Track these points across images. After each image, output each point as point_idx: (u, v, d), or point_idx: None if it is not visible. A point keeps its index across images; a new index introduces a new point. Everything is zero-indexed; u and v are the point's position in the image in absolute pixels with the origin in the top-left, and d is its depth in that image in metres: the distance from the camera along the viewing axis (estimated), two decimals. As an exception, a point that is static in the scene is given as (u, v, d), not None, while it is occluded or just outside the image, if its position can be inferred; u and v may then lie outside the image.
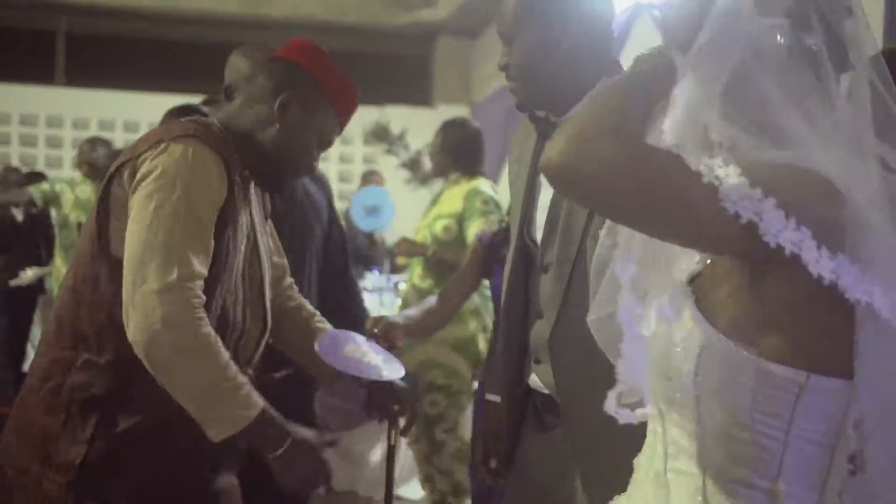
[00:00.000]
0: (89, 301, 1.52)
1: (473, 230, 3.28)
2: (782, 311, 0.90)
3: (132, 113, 7.43)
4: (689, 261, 1.01)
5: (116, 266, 1.46)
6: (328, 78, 1.66)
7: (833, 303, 0.86)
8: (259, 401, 1.47)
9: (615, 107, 0.89)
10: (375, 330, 2.05)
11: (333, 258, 2.59)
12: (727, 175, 0.86)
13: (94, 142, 5.14)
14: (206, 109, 2.38)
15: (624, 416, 1.08)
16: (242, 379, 1.47)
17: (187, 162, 1.46)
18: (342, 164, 7.99)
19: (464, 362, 3.37)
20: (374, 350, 1.81)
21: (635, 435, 1.46)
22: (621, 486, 1.09)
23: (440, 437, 3.32)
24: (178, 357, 1.40)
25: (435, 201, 3.57)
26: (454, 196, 3.43)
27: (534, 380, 1.66)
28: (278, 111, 1.60)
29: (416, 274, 3.51)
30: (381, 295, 4.97)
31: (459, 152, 3.50)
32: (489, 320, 3.46)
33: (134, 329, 1.40)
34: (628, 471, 1.08)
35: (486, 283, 3.48)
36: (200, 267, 1.44)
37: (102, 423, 1.48)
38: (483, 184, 3.44)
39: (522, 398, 1.70)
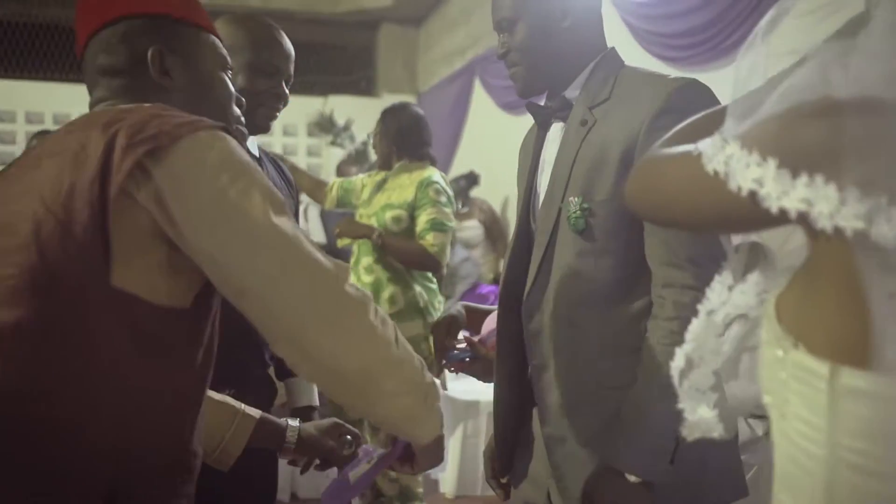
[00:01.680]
0: None
1: (424, 219, 3.19)
2: None
3: (62, 105, 7.13)
4: None
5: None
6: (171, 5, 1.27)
7: None
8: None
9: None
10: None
11: None
12: (723, 149, 0.77)
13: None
14: None
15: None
16: None
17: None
18: (285, 155, 7.77)
19: None
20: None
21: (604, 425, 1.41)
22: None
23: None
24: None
25: (380, 188, 3.41)
26: (404, 185, 3.29)
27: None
28: (157, 73, 1.22)
29: (362, 267, 3.34)
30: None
31: (402, 138, 3.38)
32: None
33: None
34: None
35: (431, 275, 3.36)
36: None
37: None
38: (435, 173, 3.32)
39: (521, 400, 1.64)
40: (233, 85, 1.34)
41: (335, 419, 1.65)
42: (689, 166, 0.81)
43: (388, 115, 3.46)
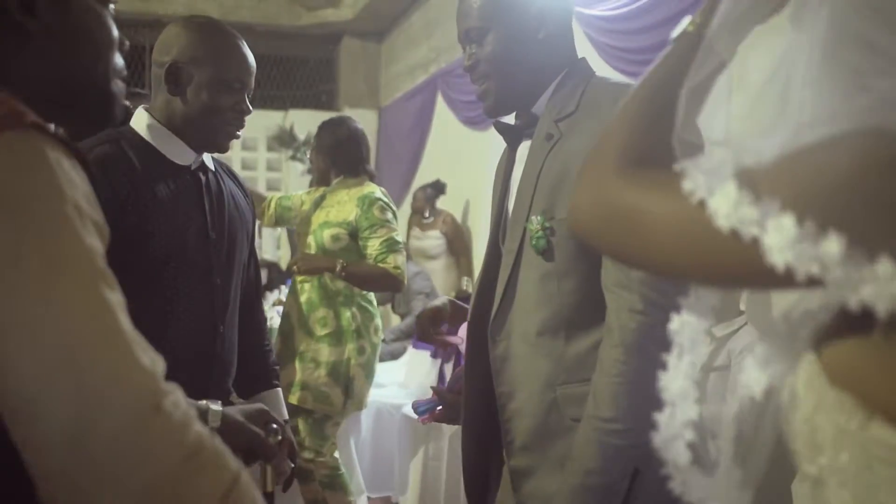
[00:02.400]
0: None
1: (378, 242, 3.09)
2: None
3: None
4: None
5: None
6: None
7: None
8: None
9: (617, 131, 0.78)
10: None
11: (250, 281, 2.06)
12: (740, 204, 0.61)
13: None
14: None
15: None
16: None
17: None
18: (245, 170, 7.64)
19: (336, 388, 3.17)
20: None
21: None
22: None
23: (304, 465, 3.12)
24: None
25: (318, 206, 3.28)
26: (343, 201, 3.19)
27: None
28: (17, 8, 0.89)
29: (305, 299, 3.20)
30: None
31: (339, 153, 3.29)
32: (373, 340, 3.26)
33: None
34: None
35: (371, 295, 3.29)
36: None
37: None
38: (376, 189, 3.22)
39: (490, 430, 1.57)
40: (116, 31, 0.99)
41: (261, 405, 1.52)
42: (686, 218, 0.64)
43: (325, 129, 3.36)
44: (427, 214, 5.94)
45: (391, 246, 3.10)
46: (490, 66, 1.47)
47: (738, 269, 0.62)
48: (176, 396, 0.74)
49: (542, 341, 1.42)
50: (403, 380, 4.41)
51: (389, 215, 3.16)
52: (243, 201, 1.97)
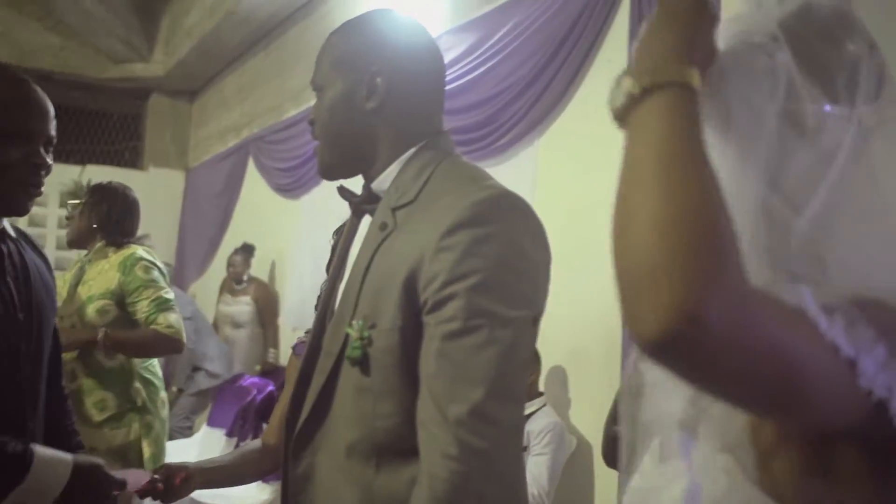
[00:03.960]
0: None
1: (146, 304, 2.82)
2: None
3: None
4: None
5: None
6: None
7: None
8: None
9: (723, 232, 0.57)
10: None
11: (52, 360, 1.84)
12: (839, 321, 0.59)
13: None
14: None
15: None
16: None
17: None
18: (33, 227, 7.07)
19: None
20: None
21: None
22: None
23: None
24: None
25: (79, 282, 2.96)
26: (104, 271, 2.91)
27: None
28: None
29: (66, 371, 2.75)
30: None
31: (112, 223, 3.00)
32: (161, 415, 3.01)
33: None
34: None
35: (155, 362, 3.05)
36: None
37: None
38: (138, 249, 2.96)
39: None
40: None
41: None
42: (833, 371, 0.60)
43: (102, 192, 3.07)
44: (243, 280, 5.75)
45: (160, 305, 2.85)
46: (319, 128, 1.34)
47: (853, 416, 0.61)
48: None
49: (351, 465, 1.22)
50: (196, 460, 4.14)
51: (155, 274, 2.90)
52: (47, 273, 1.76)
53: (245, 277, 5.75)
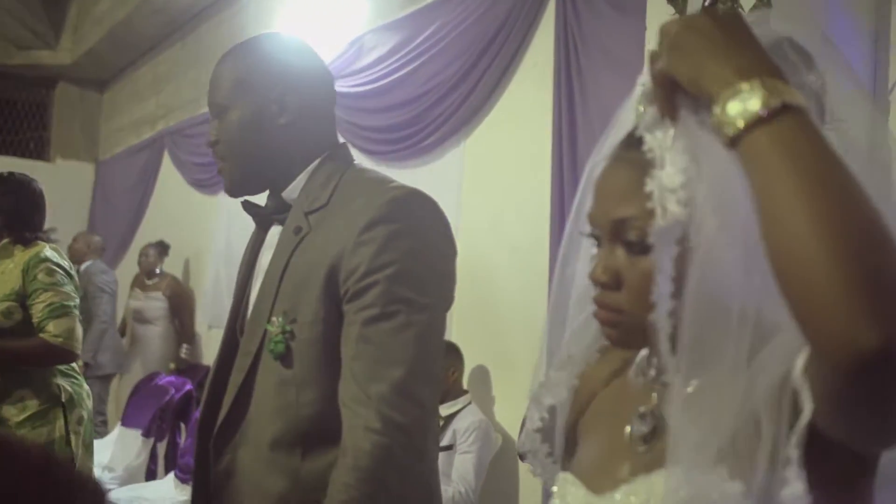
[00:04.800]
0: None
1: (41, 307, 2.67)
2: None
3: None
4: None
5: None
6: None
7: None
8: None
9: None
10: None
11: None
12: None
13: None
14: None
15: None
16: None
17: None
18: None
19: None
20: None
21: None
22: None
23: None
24: None
25: None
26: (8, 271, 2.75)
27: None
28: None
29: None
30: None
31: (17, 218, 2.82)
32: (88, 407, 2.88)
33: None
34: None
35: (74, 366, 2.92)
36: None
37: None
38: (44, 248, 2.80)
39: None
40: None
41: None
42: None
43: (7, 185, 2.87)
44: (155, 274, 5.63)
45: (54, 311, 2.69)
46: (227, 148, 1.38)
47: None
48: None
49: (276, 456, 1.28)
50: (108, 461, 4.01)
51: (59, 277, 2.74)
52: None
53: (158, 271, 5.64)
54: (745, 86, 0.61)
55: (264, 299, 1.34)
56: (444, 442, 2.97)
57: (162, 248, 5.66)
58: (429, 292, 1.26)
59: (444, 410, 3.05)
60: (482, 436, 3.04)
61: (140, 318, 5.63)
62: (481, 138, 3.46)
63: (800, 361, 0.62)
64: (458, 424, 3.06)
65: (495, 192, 3.37)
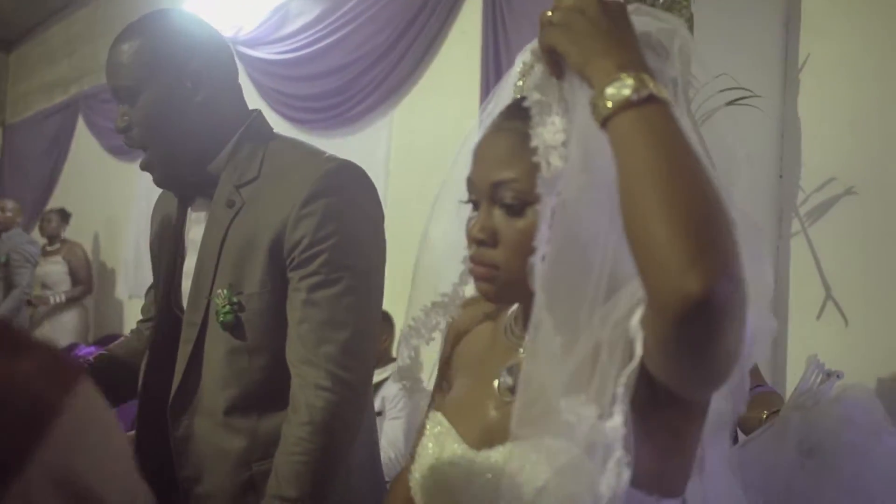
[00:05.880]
0: None
1: None
2: None
3: None
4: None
5: None
6: None
7: None
8: None
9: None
10: None
11: None
12: None
13: None
14: None
15: None
16: None
17: None
18: None
19: None
20: None
21: None
22: None
23: None
24: None
25: None
26: None
27: None
28: None
29: None
30: None
31: None
32: None
33: None
34: None
35: None
36: None
37: None
38: None
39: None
40: None
41: None
42: None
43: None
44: (51, 243, 5.52)
45: None
46: (146, 134, 1.33)
47: None
48: None
49: (233, 420, 1.33)
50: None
51: None
52: None
53: (58, 238, 5.55)
54: (622, 76, 0.71)
55: (204, 272, 1.35)
56: (375, 409, 3.00)
57: (63, 215, 5.58)
58: (367, 258, 1.33)
59: (374, 377, 3.08)
60: (411, 402, 3.09)
61: (41, 283, 5.53)
62: (410, 107, 3.47)
63: (638, 313, 0.71)
64: (387, 391, 3.10)
65: (423, 160, 3.38)
